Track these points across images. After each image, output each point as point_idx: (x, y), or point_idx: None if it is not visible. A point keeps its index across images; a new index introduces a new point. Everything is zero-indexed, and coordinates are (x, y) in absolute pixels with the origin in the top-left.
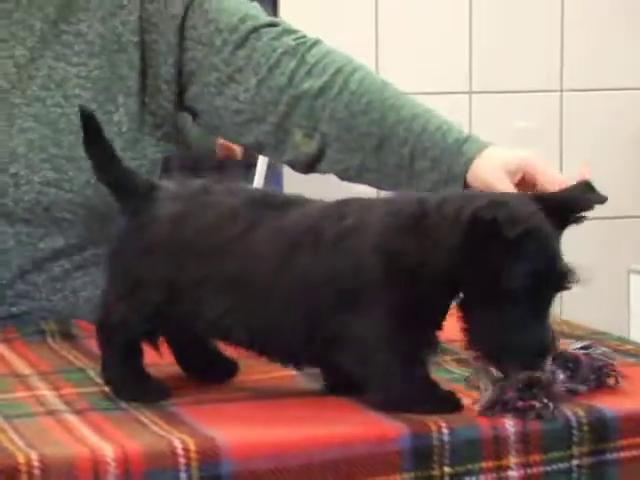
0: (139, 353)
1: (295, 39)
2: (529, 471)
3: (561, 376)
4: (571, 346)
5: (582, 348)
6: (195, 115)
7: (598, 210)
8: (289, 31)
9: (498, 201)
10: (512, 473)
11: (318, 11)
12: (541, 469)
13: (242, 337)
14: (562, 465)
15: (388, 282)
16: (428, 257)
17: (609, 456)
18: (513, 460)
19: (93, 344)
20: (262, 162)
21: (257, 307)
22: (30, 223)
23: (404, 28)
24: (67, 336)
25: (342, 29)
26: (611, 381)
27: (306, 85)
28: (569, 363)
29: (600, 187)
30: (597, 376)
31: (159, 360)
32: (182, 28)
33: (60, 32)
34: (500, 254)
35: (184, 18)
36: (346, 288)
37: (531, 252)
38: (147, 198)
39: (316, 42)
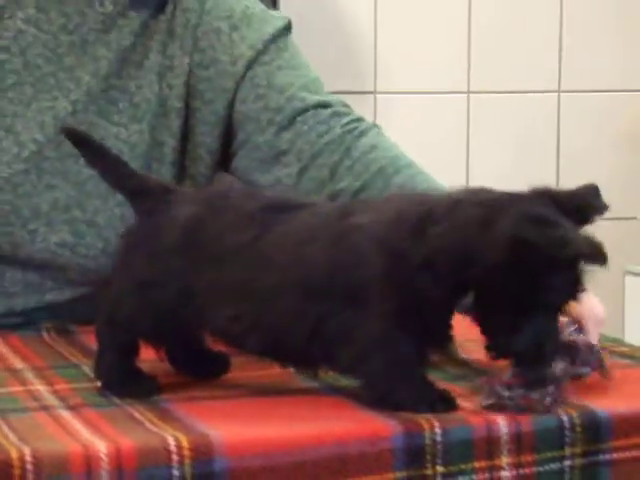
0: (136, 351)
1: (343, 125)
2: (521, 471)
3: (562, 364)
4: (565, 331)
5: (575, 331)
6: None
7: None
8: (339, 113)
9: (537, 218)
10: (504, 473)
11: (317, 11)
12: (533, 469)
13: (254, 343)
14: (554, 465)
15: (390, 280)
16: (434, 261)
17: (602, 457)
18: (505, 460)
19: (88, 340)
20: None
21: (267, 310)
22: (41, 276)
23: (403, 27)
24: (62, 331)
25: (341, 28)
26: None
27: (345, 182)
28: (567, 350)
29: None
30: (596, 357)
31: (153, 356)
32: (232, 101)
33: (108, 87)
34: (542, 271)
35: (235, 91)
36: (348, 285)
37: (572, 269)
38: (162, 200)
39: (365, 131)
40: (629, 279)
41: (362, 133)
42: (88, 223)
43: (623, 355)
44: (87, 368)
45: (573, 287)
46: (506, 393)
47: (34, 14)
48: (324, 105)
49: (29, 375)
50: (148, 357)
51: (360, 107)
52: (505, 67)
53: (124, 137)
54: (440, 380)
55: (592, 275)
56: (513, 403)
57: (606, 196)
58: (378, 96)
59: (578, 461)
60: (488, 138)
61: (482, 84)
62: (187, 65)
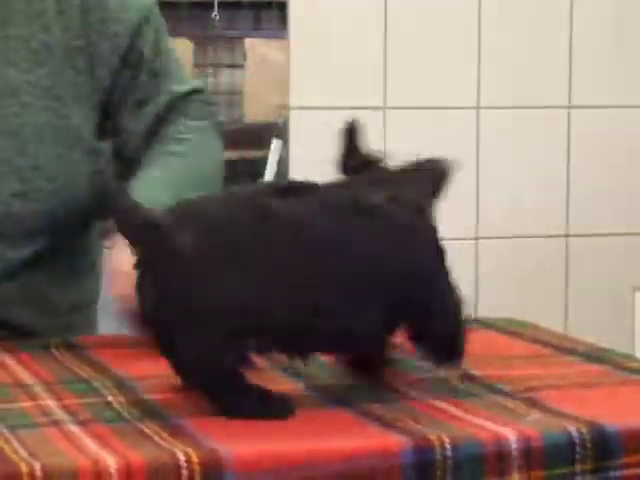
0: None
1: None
2: None
3: None
4: None
5: None
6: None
7: (603, 227)
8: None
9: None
10: None
11: (326, 27)
12: None
13: (326, 330)
14: None
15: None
16: None
17: (612, 474)
18: (516, 476)
19: (96, 355)
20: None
21: (339, 298)
22: (1, 235)
23: (412, 43)
24: (70, 347)
25: (350, 44)
26: None
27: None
28: None
29: (608, 204)
30: None
31: (162, 372)
32: (127, 58)
33: (5, 37)
34: None
35: (130, 49)
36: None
37: None
38: (157, 234)
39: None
40: (639, 295)
41: (179, 141)
42: (32, 168)
43: (633, 370)
44: (97, 383)
45: None
46: None
47: None
48: (198, 91)
49: (39, 390)
50: (157, 373)
51: (370, 122)
52: (515, 82)
53: (34, 81)
54: (449, 397)
55: (601, 291)
56: None
57: (615, 211)
58: (387, 111)
59: (589, 477)
60: (498, 154)
61: (491, 99)
62: (77, 7)
